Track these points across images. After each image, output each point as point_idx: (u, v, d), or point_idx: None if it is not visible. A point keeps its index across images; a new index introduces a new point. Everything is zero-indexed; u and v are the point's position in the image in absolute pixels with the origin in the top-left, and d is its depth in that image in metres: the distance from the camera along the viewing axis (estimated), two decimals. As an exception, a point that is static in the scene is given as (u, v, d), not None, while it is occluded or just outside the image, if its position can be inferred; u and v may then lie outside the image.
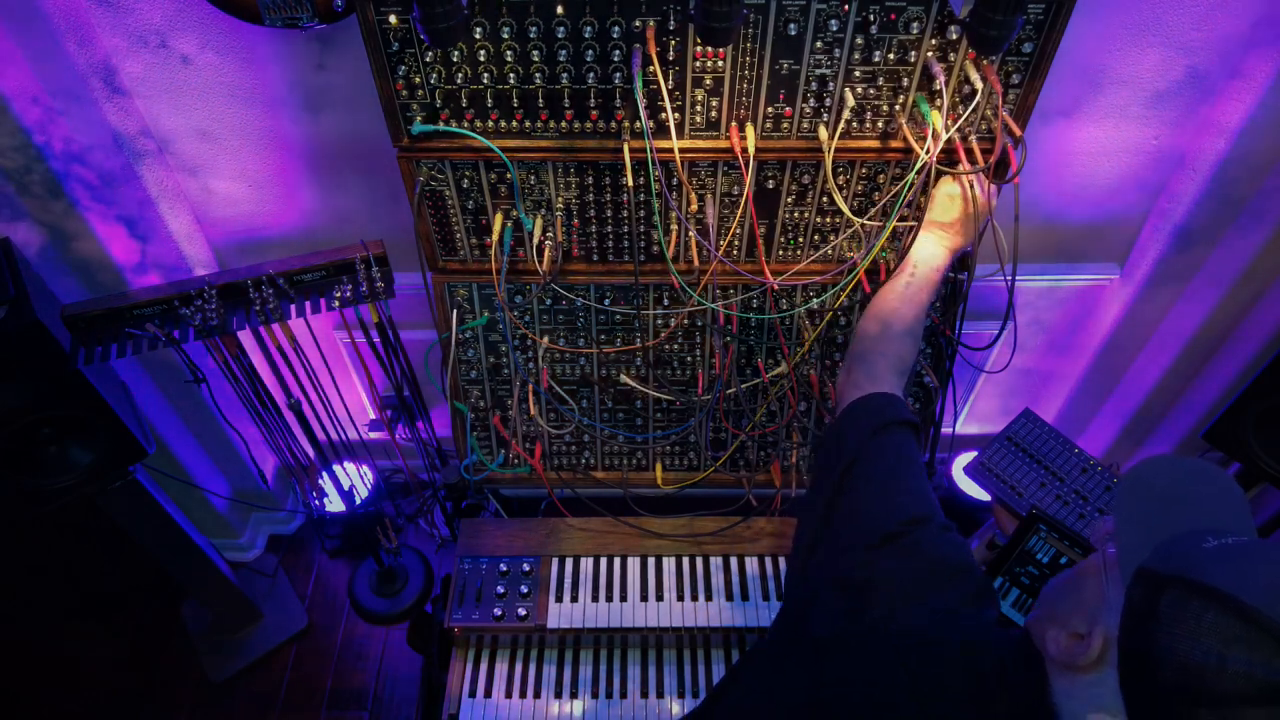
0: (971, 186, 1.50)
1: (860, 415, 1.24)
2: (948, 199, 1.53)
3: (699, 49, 1.40)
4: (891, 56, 1.41)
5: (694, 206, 1.62)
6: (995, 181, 1.55)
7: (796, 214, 1.67)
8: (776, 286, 1.77)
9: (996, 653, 0.87)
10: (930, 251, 1.54)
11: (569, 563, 1.98)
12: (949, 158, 1.52)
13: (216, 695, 2.56)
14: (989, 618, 0.95)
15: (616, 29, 1.37)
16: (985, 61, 1.42)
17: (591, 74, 1.43)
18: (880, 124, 1.51)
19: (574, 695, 1.87)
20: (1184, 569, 0.71)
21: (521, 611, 1.87)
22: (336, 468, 2.14)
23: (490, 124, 1.51)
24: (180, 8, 1.59)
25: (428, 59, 1.41)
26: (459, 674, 1.89)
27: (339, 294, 1.66)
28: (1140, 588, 0.73)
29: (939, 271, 1.54)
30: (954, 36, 1.39)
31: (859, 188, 1.62)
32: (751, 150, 1.49)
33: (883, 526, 1.04)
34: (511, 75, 1.43)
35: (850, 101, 1.46)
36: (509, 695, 1.87)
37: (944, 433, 1.99)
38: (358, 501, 2.22)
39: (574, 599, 1.92)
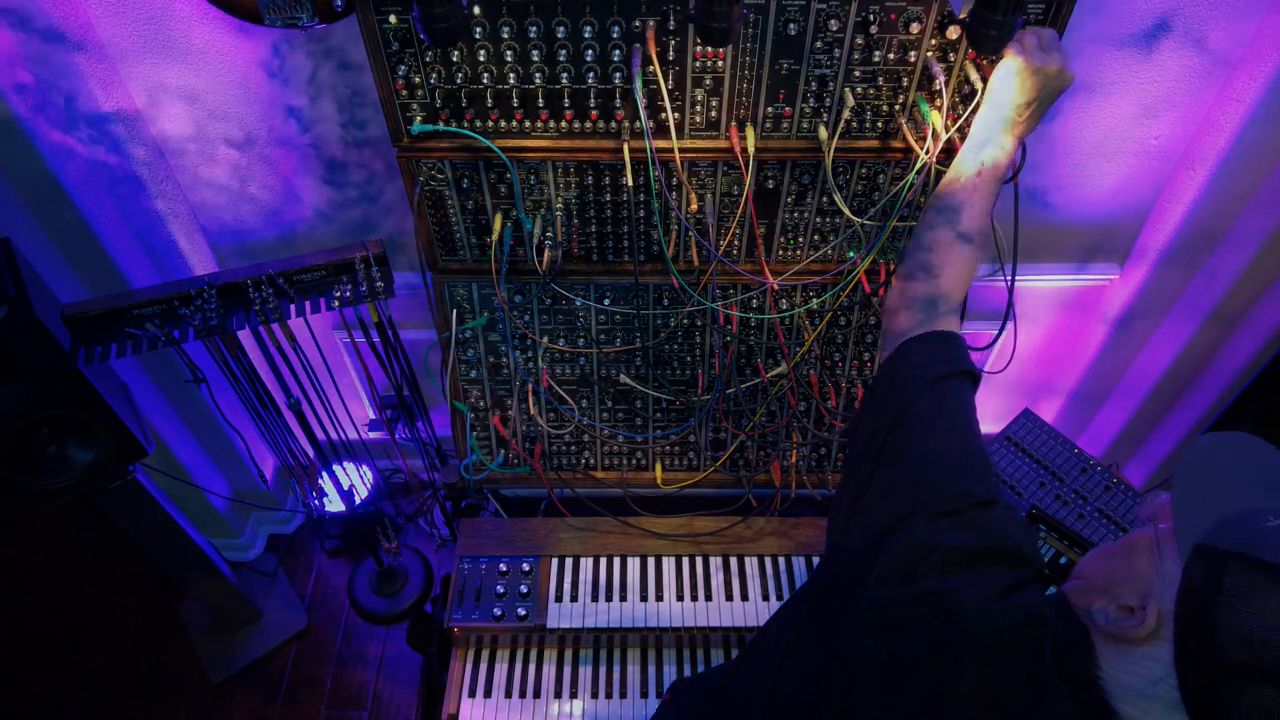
0: (1041, 53, 1.27)
1: (920, 356, 1.12)
2: (1016, 78, 1.26)
3: (699, 49, 1.40)
4: (891, 56, 1.42)
5: (694, 206, 1.62)
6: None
7: (796, 214, 1.67)
8: (776, 286, 1.77)
9: (1050, 629, 0.87)
10: (998, 141, 1.29)
11: (569, 563, 1.98)
12: (949, 158, 1.52)
13: (216, 695, 2.56)
14: (1038, 595, 0.94)
15: (616, 29, 1.37)
16: (985, 61, 1.42)
17: (591, 74, 1.43)
18: (880, 124, 1.51)
19: (574, 695, 1.87)
20: (1247, 546, 0.71)
21: (521, 611, 1.87)
22: (336, 468, 2.14)
23: (490, 124, 1.51)
24: (180, 7, 1.60)
25: (428, 59, 1.41)
26: (459, 674, 1.89)
27: (339, 294, 1.66)
28: (1201, 563, 0.74)
29: (1004, 168, 1.31)
30: (954, 36, 1.39)
31: (859, 188, 1.62)
32: (751, 150, 1.49)
33: (946, 497, 0.98)
34: (511, 75, 1.43)
35: (850, 101, 1.46)
36: (509, 695, 1.87)
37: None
38: (357, 501, 2.22)
39: (574, 599, 1.92)
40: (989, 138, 1.29)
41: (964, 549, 0.93)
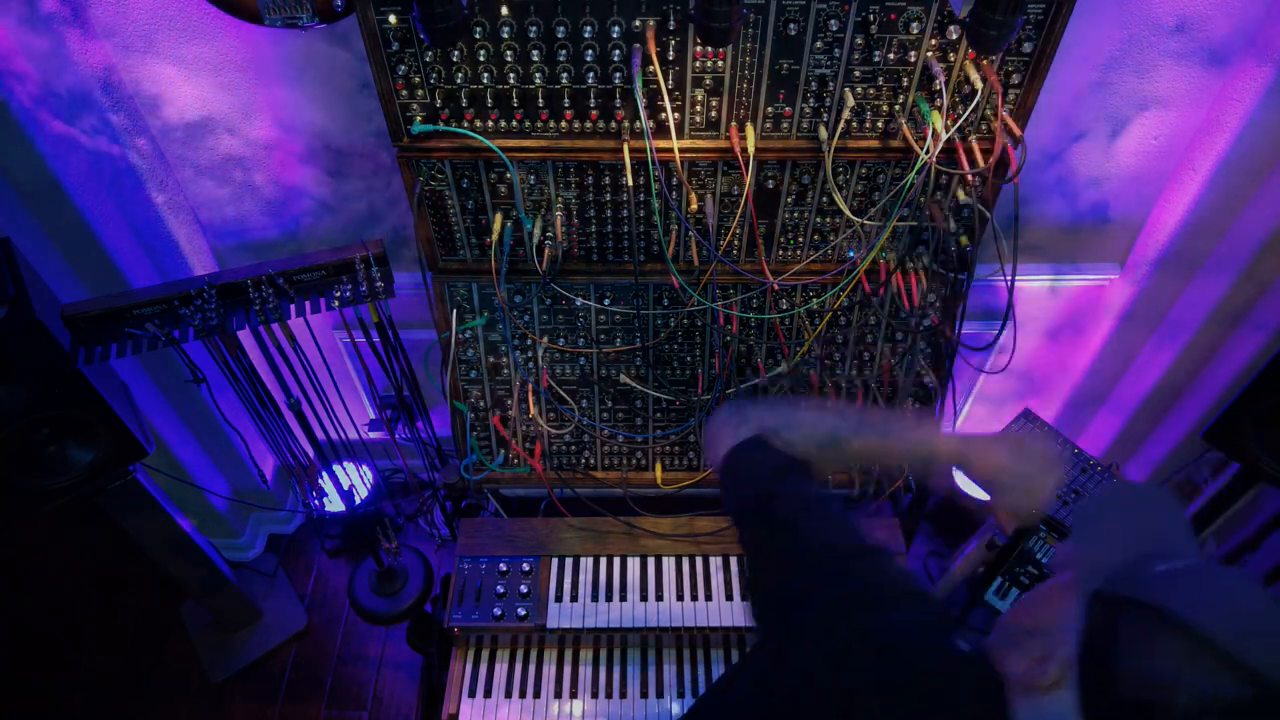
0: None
1: (760, 453, 1.17)
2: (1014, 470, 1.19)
3: (699, 49, 1.40)
4: (891, 56, 1.41)
5: (694, 206, 1.62)
6: (995, 181, 1.55)
7: (796, 214, 1.67)
8: (777, 287, 1.77)
9: (966, 676, 0.90)
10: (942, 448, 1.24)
11: (569, 563, 1.98)
12: (949, 158, 1.52)
13: (216, 695, 2.55)
14: (955, 636, 0.97)
15: (616, 29, 1.37)
16: (985, 61, 1.42)
17: (591, 74, 1.43)
18: (880, 124, 1.51)
19: (574, 695, 1.87)
20: (1137, 592, 0.76)
21: (521, 611, 1.87)
22: (336, 468, 2.14)
23: (490, 124, 1.51)
24: (180, 8, 1.60)
25: (428, 59, 1.41)
26: (459, 674, 1.89)
27: (339, 294, 1.66)
28: (1097, 610, 0.78)
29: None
30: (954, 36, 1.39)
31: (859, 188, 1.62)
32: (751, 150, 1.49)
33: (849, 544, 1.04)
34: (511, 75, 1.43)
35: (850, 101, 1.46)
36: (509, 695, 1.87)
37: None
38: (357, 501, 2.22)
39: (574, 599, 1.92)
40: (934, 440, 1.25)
41: (883, 587, 0.99)
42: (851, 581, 1.00)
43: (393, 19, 1.36)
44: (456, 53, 1.40)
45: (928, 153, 1.45)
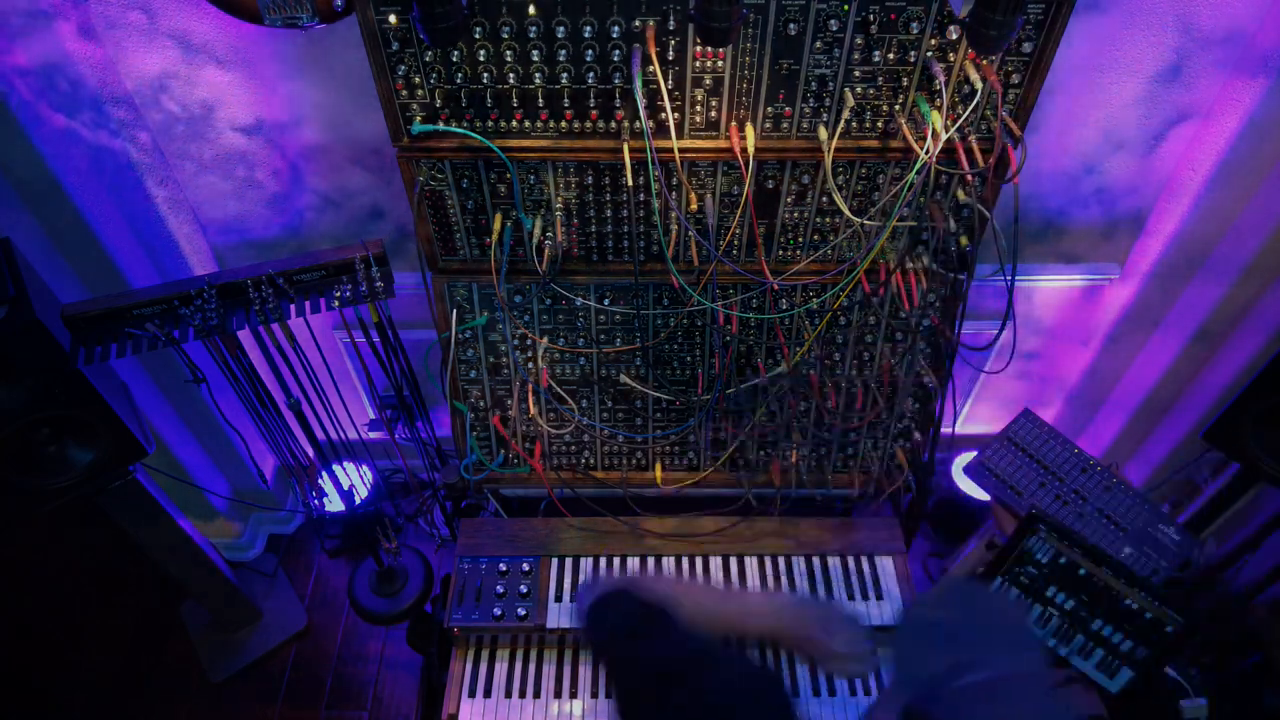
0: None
1: (625, 597, 1.25)
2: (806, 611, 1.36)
3: (699, 49, 1.40)
4: (891, 56, 1.42)
5: (694, 206, 1.62)
6: (995, 181, 1.55)
7: (796, 214, 1.67)
8: (777, 286, 1.77)
9: None
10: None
11: (569, 563, 1.98)
12: (949, 158, 1.52)
13: (216, 695, 2.56)
14: None
15: (616, 29, 1.37)
16: (985, 61, 1.42)
17: (591, 74, 1.43)
18: (880, 124, 1.51)
19: (573, 695, 1.87)
20: (932, 708, 0.81)
21: (521, 611, 1.87)
22: (336, 468, 2.14)
23: (490, 124, 1.51)
24: (180, 7, 1.60)
25: (428, 59, 1.41)
26: (459, 674, 1.89)
27: (339, 294, 1.66)
28: None
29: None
30: (954, 36, 1.39)
31: (859, 188, 1.62)
32: (751, 150, 1.49)
33: (699, 649, 1.07)
34: (511, 75, 1.43)
35: (850, 101, 1.46)
36: (509, 695, 1.87)
37: (944, 433, 1.99)
38: (357, 501, 2.22)
39: (574, 599, 1.92)
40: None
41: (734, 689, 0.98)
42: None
43: (392, 19, 1.36)
44: (456, 53, 1.40)
45: (927, 153, 1.45)
